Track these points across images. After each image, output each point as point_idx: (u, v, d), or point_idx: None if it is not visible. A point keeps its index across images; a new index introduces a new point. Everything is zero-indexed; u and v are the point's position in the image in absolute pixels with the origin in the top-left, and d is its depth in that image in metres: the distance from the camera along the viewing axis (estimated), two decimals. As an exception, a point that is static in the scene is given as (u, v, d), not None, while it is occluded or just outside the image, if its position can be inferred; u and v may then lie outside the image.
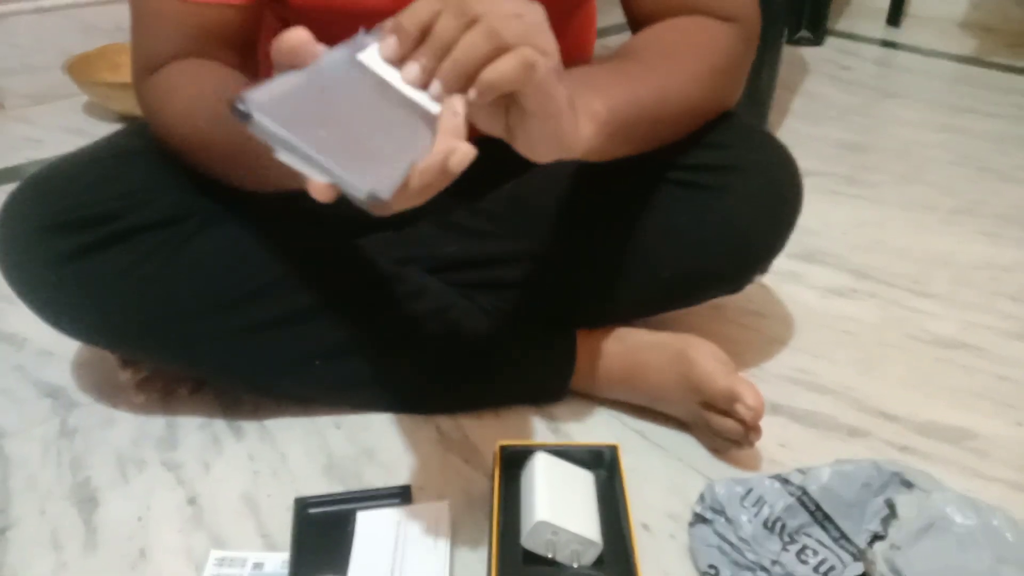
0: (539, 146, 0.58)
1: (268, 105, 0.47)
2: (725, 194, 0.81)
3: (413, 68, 0.54)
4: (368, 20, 0.80)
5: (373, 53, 0.55)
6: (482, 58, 0.53)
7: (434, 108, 0.54)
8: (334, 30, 0.82)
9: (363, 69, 0.54)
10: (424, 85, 0.54)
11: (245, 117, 0.46)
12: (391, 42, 0.54)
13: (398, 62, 0.54)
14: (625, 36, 0.85)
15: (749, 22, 0.79)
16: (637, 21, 0.81)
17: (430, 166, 0.51)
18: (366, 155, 0.50)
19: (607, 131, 0.65)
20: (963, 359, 1.01)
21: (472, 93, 0.54)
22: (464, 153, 0.52)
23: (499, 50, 0.53)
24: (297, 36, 0.52)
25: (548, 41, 0.55)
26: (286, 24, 0.86)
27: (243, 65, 0.79)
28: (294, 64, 0.52)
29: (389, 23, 0.55)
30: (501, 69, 0.53)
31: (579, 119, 0.61)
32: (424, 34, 0.54)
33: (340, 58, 0.54)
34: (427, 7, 0.54)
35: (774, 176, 0.84)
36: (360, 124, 0.51)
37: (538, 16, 0.55)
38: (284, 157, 0.48)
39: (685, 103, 0.75)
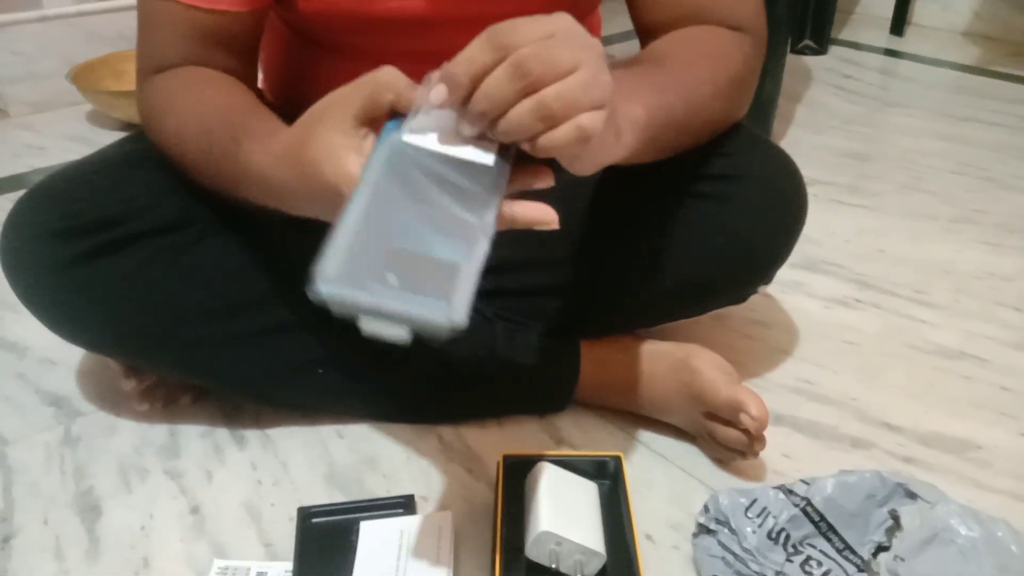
0: (582, 162, 0.58)
1: (336, 276, 0.47)
2: (731, 204, 0.81)
3: (466, 128, 0.53)
4: (374, 26, 0.80)
5: (420, 122, 0.55)
6: (539, 128, 0.52)
7: (484, 159, 0.54)
8: (340, 35, 0.83)
9: (411, 156, 0.54)
10: (476, 137, 0.54)
11: (318, 295, 0.47)
12: (440, 91, 0.52)
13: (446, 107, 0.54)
14: (629, 44, 0.85)
15: (758, 32, 0.80)
16: (647, 31, 0.81)
17: None
18: (433, 281, 0.49)
19: (645, 137, 0.64)
20: (964, 369, 1.01)
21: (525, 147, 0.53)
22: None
23: (556, 119, 0.52)
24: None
25: (605, 89, 0.53)
26: (291, 28, 0.87)
27: (245, 69, 0.80)
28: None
29: (436, 75, 0.53)
30: (558, 138, 0.52)
31: (621, 128, 0.60)
32: (476, 84, 0.52)
33: (389, 154, 0.53)
34: (480, 57, 0.52)
35: (780, 186, 0.84)
36: (418, 242, 0.50)
37: (594, 60, 0.53)
38: (365, 324, 0.48)
39: (708, 114, 0.75)
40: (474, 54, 0.52)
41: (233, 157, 0.66)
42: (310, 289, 0.47)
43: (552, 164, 0.59)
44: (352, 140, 0.55)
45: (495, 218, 0.53)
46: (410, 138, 0.54)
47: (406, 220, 0.51)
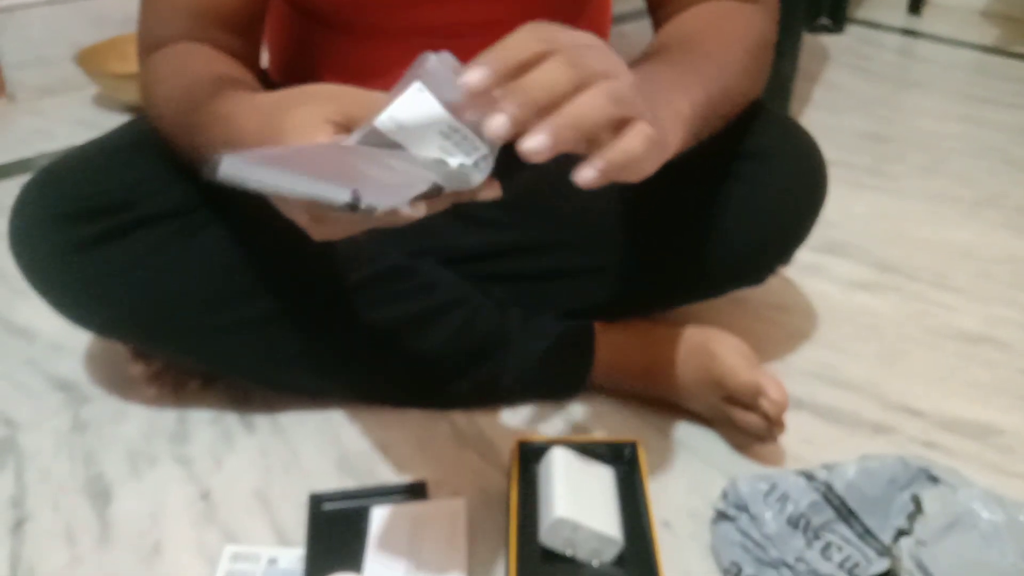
0: (634, 172, 0.54)
1: (239, 157, 0.44)
2: (754, 183, 0.80)
3: (501, 120, 0.48)
4: (385, 6, 0.79)
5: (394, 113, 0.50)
6: (604, 126, 0.49)
7: (460, 160, 0.51)
8: (344, 12, 0.81)
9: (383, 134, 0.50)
10: (508, 138, 0.49)
11: (215, 169, 0.43)
12: (480, 74, 0.47)
13: (470, 100, 0.49)
14: (640, 23, 0.83)
15: (771, 1, 0.78)
16: (661, 8, 0.80)
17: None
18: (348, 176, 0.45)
19: (690, 132, 0.62)
20: (986, 354, 0.99)
21: (598, 167, 0.49)
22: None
23: (623, 120, 0.49)
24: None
25: (641, 98, 0.52)
26: (295, 8, 0.85)
27: (246, 49, 0.78)
28: None
29: (434, 56, 0.50)
30: (628, 149, 0.49)
31: (666, 129, 0.57)
32: (518, 74, 0.48)
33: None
34: (529, 46, 0.48)
35: (802, 164, 0.83)
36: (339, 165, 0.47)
37: (628, 73, 0.52)
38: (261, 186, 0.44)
39: (738, 95, 0.73)
40: (521, 42, 0.49)
41: (205, 106, 0.64)
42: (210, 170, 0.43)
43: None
44: (325, 125, 0.53)
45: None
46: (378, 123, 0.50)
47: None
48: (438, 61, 0.51)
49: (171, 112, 0.71)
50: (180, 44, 0.75)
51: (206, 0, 0.75)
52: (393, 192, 0.46)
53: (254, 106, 0.60)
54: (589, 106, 0.48)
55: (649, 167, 0.53)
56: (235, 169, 0.43)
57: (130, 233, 0.77)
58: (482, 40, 0.82)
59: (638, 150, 0.50)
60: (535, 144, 0.47)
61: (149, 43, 0.76)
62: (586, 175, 0.50)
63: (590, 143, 0.50)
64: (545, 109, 0.48)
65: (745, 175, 0.80)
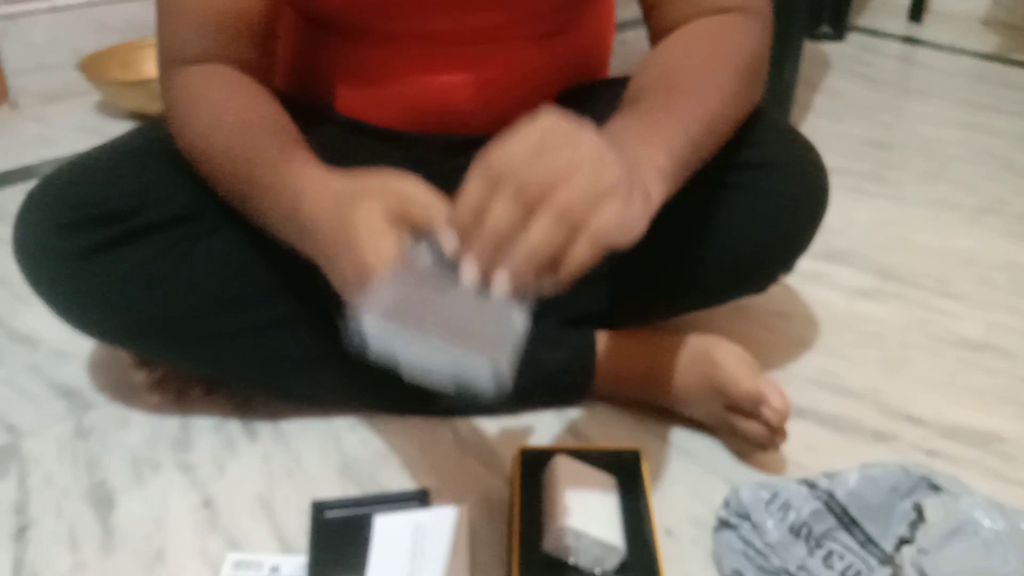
0: (618, 241, 0.56)
1: (381, 309, 0.48)
2: (757, 192, 0.80)
3: (471, 270, 0.52)
4: (392, 14, 0.79)
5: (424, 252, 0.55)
6: (553, 252, 0.51)
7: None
8: (350, 22, 0.82)
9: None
10: (487, 278, 0.53)
11: (359, 334, 0.48)
12: (451, 238, 0.53)
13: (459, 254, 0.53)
14: (642, 31, 0.83)
15: (765, 8, 0.78)
16: (652, 17, 0.81)
17: None
18: (473, 333, 0.50)
19: (673, 181, 0.63)
20: (988, 361, 0.99)
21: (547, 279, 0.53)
22: None
23: (569, 239, 0.51)
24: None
25: (611, 173, 0.53)
26: (302, 16, 0.86)
27: (262, 63, 0.79)
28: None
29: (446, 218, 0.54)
30: (577, 260, 0.52)
31: (647, 186, 0.59)
32: (479, 220, 0.52)
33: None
34: (478, 191, 0.52)
35: (803, 172, 0.83)
36: (457, 312, 0.52)
37: (590, 152, 0.53)
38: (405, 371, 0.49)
39: (729, 122, 0.74)
40: (471, 193, 0.52)
41: (270, 166, 0.67)
42: (348, 332, 0.47)
43: None
44: (388, 224, 0.57)
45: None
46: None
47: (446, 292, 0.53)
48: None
49: (217, 153, 0.72)
50: (213, 69, 0.75)
51: (222, 16, 0.75)
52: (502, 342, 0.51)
53: (325, 191, 0.62)
54: (538, 239, 0.51)
55: (635, 228, 0.55)
56: (376, 331, 0.48)
57: (134, 240, 0.77)
58: (487, 47, 0.83)
59: (584, 259, 0.52)
60: (500, 286, 0.52)
61: (171, 57, 0.77)
62: (571, 267, 0.52)
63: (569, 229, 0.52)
64: (501, 248, 0.51)
65: (746, 184, 0.80)
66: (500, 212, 0.51)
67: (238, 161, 0.70)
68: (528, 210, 0.51)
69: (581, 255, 0.51)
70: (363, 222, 0.57)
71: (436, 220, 0.56)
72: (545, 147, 0.52)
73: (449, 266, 0.53)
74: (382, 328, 0.47)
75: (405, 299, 0.50)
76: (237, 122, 0.71)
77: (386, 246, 0.56)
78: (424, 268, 0.54)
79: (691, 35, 0.76)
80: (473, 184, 0.52)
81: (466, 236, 0.52)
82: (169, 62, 0.77)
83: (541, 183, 0.51)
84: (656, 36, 0.81)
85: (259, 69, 0.78)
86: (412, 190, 0.58)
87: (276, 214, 0.68)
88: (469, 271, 0.52)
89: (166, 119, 0.77)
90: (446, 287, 0.52)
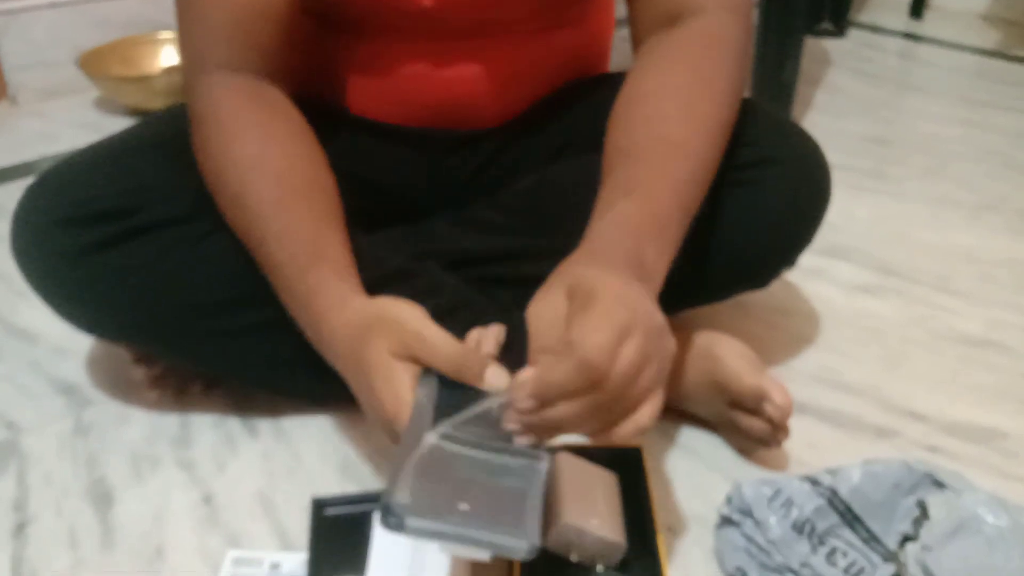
0: None
1: (415, 506, 0.50)
2: (758, 188, 0.80)
3: (523, 440, 0.57)
4: (404, 8, 0.79)
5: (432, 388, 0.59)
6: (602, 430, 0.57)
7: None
8: (353, 14, 0.81)
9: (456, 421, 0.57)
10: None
11: (399, 526, 0.50)
12: (527, 402, 0.55)
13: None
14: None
15: (744, 6, 0.78)
16: (638, 20, 0.81)
17: None
18: (503, 511, 0.53)
19: (670, 254, 0.66)
20: (989, 357, 0.99)
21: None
22: None
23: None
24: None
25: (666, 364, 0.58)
26: (320, 21, 0.85)
27: (285, 68, 0.78)
28: None
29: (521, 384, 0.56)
30: (646, 425, 0.57)
31: (653, 278, 0.63)
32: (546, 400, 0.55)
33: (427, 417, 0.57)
34: (571, 385, 0.54)
35: (805, 166, 0.83)
36: (483, 472, 0.55)
37: (660, 351, 0.57)
38: (442, 548, 0.52)
39: (717, 150, 0.73)
40: (566, 382, 0.54)
41: (301, 268, 0.68)
42: (384, 519, 0.50)
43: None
44: (398, 363, 0.60)
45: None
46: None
47: (468, 455, 0.55)
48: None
49: (247, 213, 0.71)
50: (241, 90, 0.74)
51: (244, 16, 0.74)
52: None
53: (342, 319, 0.64)
54: (601, 424, 0.57)
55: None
56: (416, 522, 0.50)
57: (134, 238, 0.77)
58: (497, 40, 0.82)
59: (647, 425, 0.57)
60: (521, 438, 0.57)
61: (197, 64, 0.75)
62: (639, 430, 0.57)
63: None
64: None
65: (748, 180, 0.80)
66: (584, 411, 0.55)
67: (268, 236, 0.70)
68: (605, 417, 0.56)
69: (649, 420, 0.57)
70: (376, 363, 0.60)
71: (442, 365, 0.59)
72: (625, 333, 0.54)
73: (459, 404, 0.57)
74: (419, 525, 0.50)
75: (434, 492, 0.52)
76: (273, 183, 0.71)
77: (402, 389, 0.58)
78: (442, 446, 0.56)
79: (670, 63, 0.75)
80: (571, 374, 0.54)
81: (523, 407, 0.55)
82: (196, 68, 0.76)
83: (627, 400, 0.55)
84: (637, 35, 0.81)
85: (283, 75, 0.77)
86: (418, 330, 0.60)
87: (295, 314, 0.71)
88: (522, 440, 0.57)
89: (190, 129, 0.76)
90: (467, 455, 0.56)
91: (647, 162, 0.69)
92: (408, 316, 0.61)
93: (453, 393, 0.58)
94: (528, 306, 0.61)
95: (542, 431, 0.56)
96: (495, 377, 0.59)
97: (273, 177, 0.71)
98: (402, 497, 0.50)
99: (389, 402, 0.58)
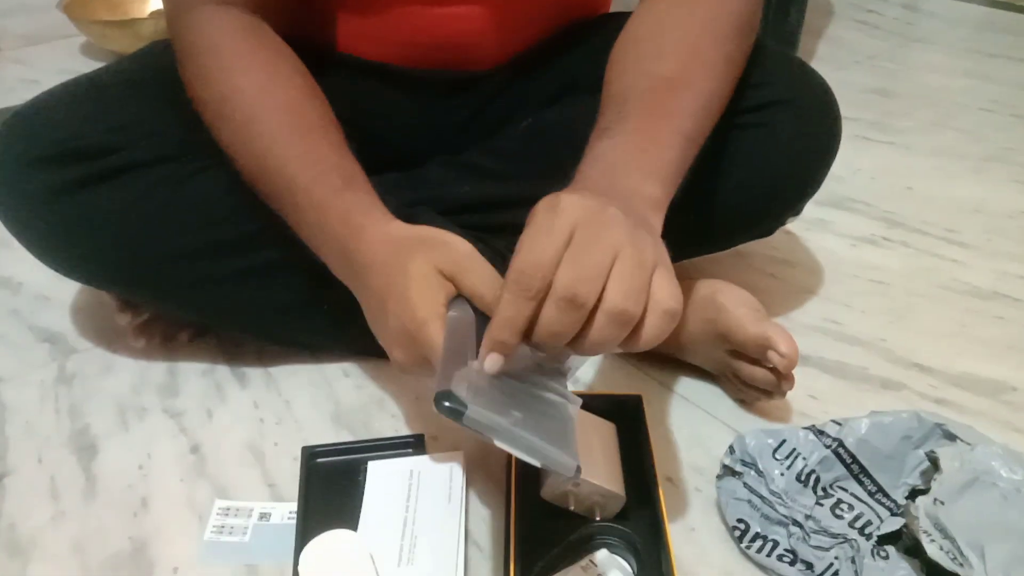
0: None
1: (472, 398, 0.49)
2: (768, 130, 0.77)
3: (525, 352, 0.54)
4: None
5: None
6: (618, 340, 0.51)
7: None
8: None
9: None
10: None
11: (457, 413, 0.49)
12: (495, 360, 0.52)
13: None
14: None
15: None
16: None
17: None
18: (551, 432, 0.52)
19: (667, 201, 0.61)
20: (997, 310, 0.97)
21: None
22: None
23: (634, 318, 0.50)
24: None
25: (652, 252, 0.52)
26: None
27: (270, 4, 0.74)
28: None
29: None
30: (650, 341, 0.52)
31: (649, 217, 0.58)
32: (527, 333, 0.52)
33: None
34: (520, 312, 0.50)
35: (814, 109, 0.80)
36: (529, 404, 0.54)
37: (624, 232, 0.51)
38: (498, 442, 0.51)
39: (724, 95, 0.70)
40: (510, 312, 0.50)
41: (323, 201, 0.65)
42: (439, 404, 0.48)
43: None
44: (439, 278, 0.58)
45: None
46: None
47: (511, 383, 0.55)
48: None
49: (260, 147, 0.68)
50: (234, 23, 0.71)
51: None
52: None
53: (385, 236, 0.62)
54: (600, 338, 0.50)
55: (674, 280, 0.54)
56: (477, 413, 0.49)
57: (117, 178, 0.74)
58: (472, 6, 0.79)
59: (653, 337, 0.52)
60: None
61: (180, 1, 0.72)
62: (646, 345, 0.53)
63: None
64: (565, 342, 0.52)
65: (757, 122, 0.77)
66: (553, 317, 0.50)
67: (289, 159, 0.67)
68: (582, 312, 0.50)
69: (653, 338, 0.52)
70: (418, 272, 0.58)
71: (486, 291, 0.58)
72: (578, 246, 0.50)
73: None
74: (479, 416, 0.49)
75: (489, 397, 0.51)
76: (286, 113, 0.68)
77: (436, 301, 0.57)
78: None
79: (668, 3, 0.72)
80: (509, 301, 0.50)
81: (509, 354, 0.52)
82: (181, 2, 0.72)
83: (589, 290, 0.49)
84: None
85: (269, 10, 0.74)
86: (469, 257, 0.59)
87: (320, 236, 0.67)
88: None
89: (178, 63, 0.72)
90: (511, 383, 0.55)
91: (637, 100, 0.66)
92: (460, 242, 0.60)
93: (487, 322, 0.56)
94: None
95: (553, 354, 0.55)
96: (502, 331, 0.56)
97: (284, 105, 0.68)
98: (460, 391, 0.49)
99: (422, 308, 0.56)
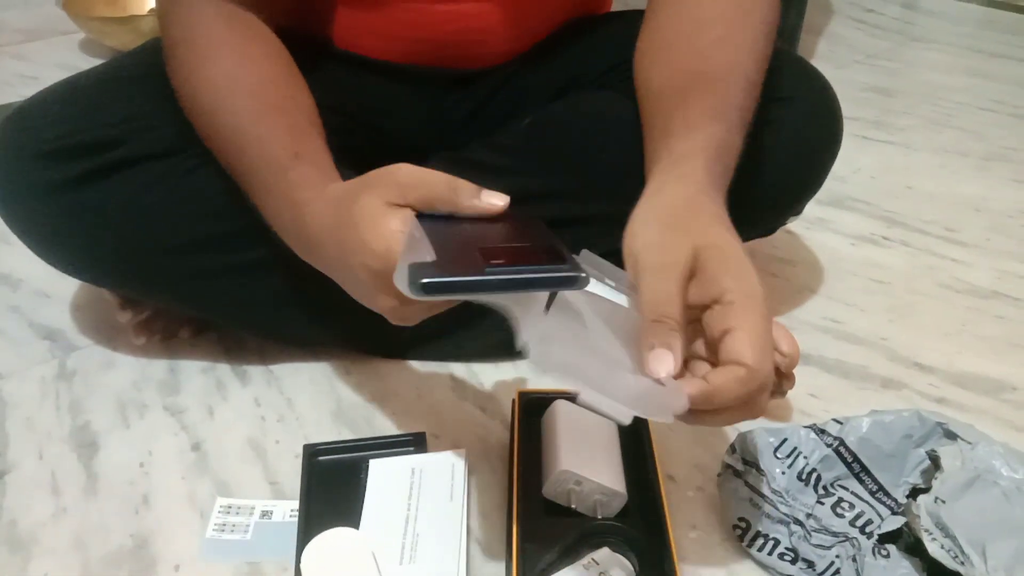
0: None
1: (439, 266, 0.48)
2: (768, 128, 0.77)
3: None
4: None
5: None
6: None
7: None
8: None
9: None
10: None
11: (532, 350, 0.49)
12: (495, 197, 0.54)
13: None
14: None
15: None
16: None
17: None
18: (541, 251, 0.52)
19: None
20: (997, 309, 0.97)
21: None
22: None
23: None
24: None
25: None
26: None
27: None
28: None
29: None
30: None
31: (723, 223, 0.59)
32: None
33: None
34: (739, 392, 0.50)
35: (815, 107, 0.80)
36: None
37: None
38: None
39: (758, 81, 0.70)
40: (735, 389, 0.50)
41: (278, 174, 0.64)
42: (414, 285, 0.46)
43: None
44: (389, 208, 0.55)
45: None
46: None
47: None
48: None
49: (224, 129, 0.68)
50: (218, 14, 0.70)
51: None
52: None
53: (325, 200, 0.60)
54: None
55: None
56: (544, 362, 0.50)
57: (116, 173, 0.74)
58: (481, 3, 0.78)
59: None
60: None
61: None
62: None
63: None
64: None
65: (760, 120, 0.77)
66: (736, 412, 0.52)
67: (246, 145, 0.66)
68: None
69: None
70: (364, 213, 0.55)
71: (437, 194, 0.54)
72: (769, 332, 0.52)
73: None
74: (552, 360, 0.49)
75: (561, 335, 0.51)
76: (248, 98, 0.67)
77: (391, 228, 0.53)
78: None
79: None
80: (738, 385, 0.50)
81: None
82: None
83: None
84: None
85: (263, 3, 0.73)
86: (410, 174, 0.56)
87: (278, 223, 0.66)
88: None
89: (164, 58, 0.72)
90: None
91: (692, 103, 0.66)
92: (397, 166, 0.57)
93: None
94: (625, 240, 0.60)
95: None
96: (492, 196, 0.55)
97: (247, 93, 0.68)
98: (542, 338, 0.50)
99: (378, 241, 0.53)
